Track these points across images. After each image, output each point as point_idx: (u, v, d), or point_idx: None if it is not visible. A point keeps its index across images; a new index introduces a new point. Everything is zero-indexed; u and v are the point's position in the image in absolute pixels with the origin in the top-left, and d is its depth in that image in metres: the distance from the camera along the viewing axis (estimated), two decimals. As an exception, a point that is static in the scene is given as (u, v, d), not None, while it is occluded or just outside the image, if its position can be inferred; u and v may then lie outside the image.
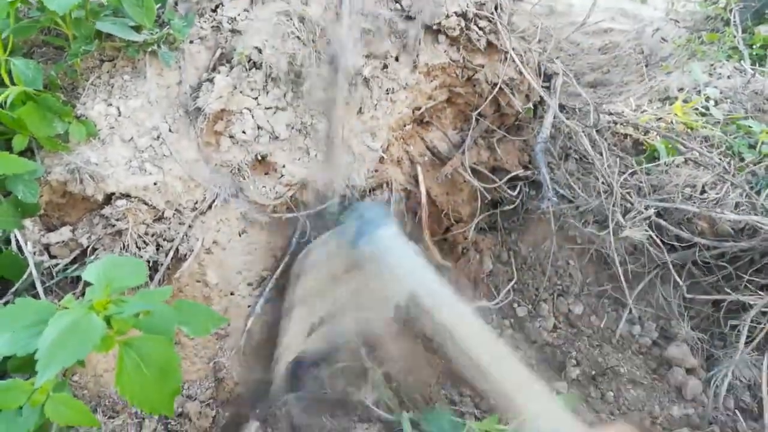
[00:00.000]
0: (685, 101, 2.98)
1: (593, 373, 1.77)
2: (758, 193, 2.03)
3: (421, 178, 1.72)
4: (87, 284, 1.36)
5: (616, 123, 2.10)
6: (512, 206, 1.99)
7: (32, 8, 1.52)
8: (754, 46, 3.81)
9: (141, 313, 0.99)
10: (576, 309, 1.94)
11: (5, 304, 1.26)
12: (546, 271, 1.99)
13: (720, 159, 2.04)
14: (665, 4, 4.64)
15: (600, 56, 3.88)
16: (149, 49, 1.47)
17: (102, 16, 1.48)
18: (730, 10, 3.79)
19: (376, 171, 1.66)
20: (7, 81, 1.37)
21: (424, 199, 1.70)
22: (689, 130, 2.70)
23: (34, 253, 1.31)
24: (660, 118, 2.75)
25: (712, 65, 3.62)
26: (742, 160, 2.42)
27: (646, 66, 3.75)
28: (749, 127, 2.71)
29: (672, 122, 2.72)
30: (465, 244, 1.98)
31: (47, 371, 0.82)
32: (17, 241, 1.31)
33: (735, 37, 3.81)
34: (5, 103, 1.30)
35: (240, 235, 1.55)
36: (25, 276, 1.28)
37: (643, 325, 1.89)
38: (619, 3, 4.77)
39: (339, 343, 1.61)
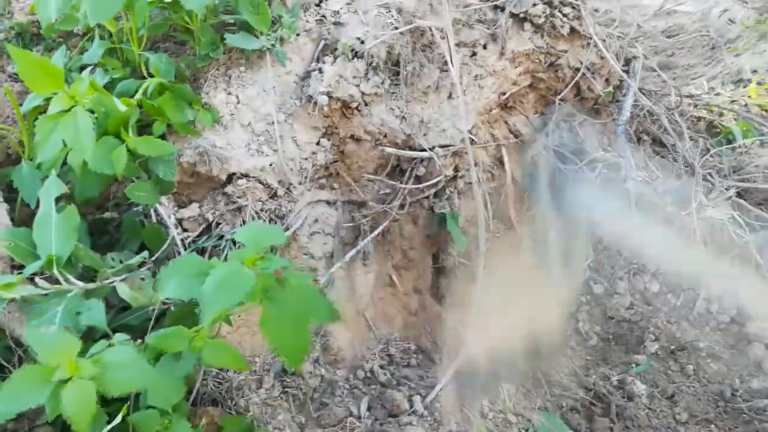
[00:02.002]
0: (759, 83, 2.95)
1: (672, 347, 1.83)
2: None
3: (506, 159, 1.81)
4: (213, 252, 1.53)
5: (696, 105, 2.14)
6: (590, 187, 2.06)
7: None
8: (828, 27, 3.70)
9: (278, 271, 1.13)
10: (652, 287, 2.01)
11: (148, 269, 1.43)
12: (622, 250, 2.05)
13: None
14: (732, -15, 4.48)
15: (664, 39, 3.83)
16: (265, 49, 1.61)
17: (220, 15, 1.64)
18: (803, -10, 3.68)
19: (465, 153, 1.76)
20: (144, 72, 1.55)
21: (509, 180, 1.80)
22: (765, 112, 2.69)
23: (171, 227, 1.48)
24: (734, 101, 2.75)
25: (784, 47, 3.55)
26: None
27: (713, 48, 3.69)
28: (827, 109, 2.68)
29: (746, 105, 2.71)
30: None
31: (211, 309, 0.97)
32: (157, 215, 1.48)
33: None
34: (146, 92, 1.47)
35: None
36: (164, 246, 1.45)
37: (721, 303, 1.93)
38: (684, -16, 4.66)
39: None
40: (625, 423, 1.55)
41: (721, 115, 2.60)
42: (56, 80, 1.24)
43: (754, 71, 3.04)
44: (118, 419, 1.09)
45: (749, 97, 2.80)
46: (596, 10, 2.74)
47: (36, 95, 1.51)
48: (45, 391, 0.97)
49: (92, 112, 1.35)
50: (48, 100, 1.49)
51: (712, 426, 1.58)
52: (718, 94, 2.80)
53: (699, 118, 2.57)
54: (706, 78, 3.07)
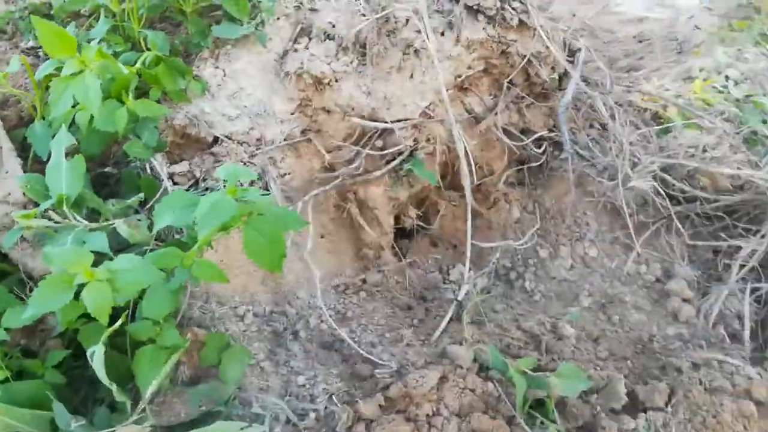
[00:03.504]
0: (704, 80, 3.25)
1: (603, 301, 2.09)
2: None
3: (461, 134, 2.06)
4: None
5: (630, 91, 2.40)
6: (538, 164, 2.32)
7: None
8: (782, 33, 4.01)
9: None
10: (591, 252, 2.27)
11: (144, 214, 1.67)
12: (566, 220, 2.31)
13: (722, 125, 2.32)
14: (701, -7, 4.78)
15: (634, 44, 4.12)
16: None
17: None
18: (762, -3, 3.99)
19: (425, 126, 2.02)
20: (143, 47, 1.79)
21: (462, 153, 2.04)
22: (707, 106, 2.97)
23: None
24: (679, 95, 3.03)
25: (739, 50, 3.88)
26: (755, 133, 2.70)
27: (680, 53, 3.99)
28: (763, 104, 2.97)
29: (690, 99, 3.00)
30: (496, 195, 2.32)
31: (204, 229, 1.22)
32: (152, 169, 1.72)
33: (764, 24, 4.04)
34: (144, 63, 1.71)
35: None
36: (158, 195, 1.69)
37: (649, 266, 2.20)
38: (657, -8, 4.95)
39: None
40: (552, 357, 1.80)
41: (665, 107, 2.87)
42: (70, 46, 1.48)
43: (702, 70, 3.35)
44: (117, 324, 1.32)
45: (694, 92, 3.09)
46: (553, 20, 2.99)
47: (48, 64, 1.74)
48: (68, 295, 1.20)
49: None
50: (58, 69, 1.73)
51: (627, 362, 1.83)
52: (667, 90, 3.09)
53: (645, 109, 2.84)
54: (659, 76, 3.35)
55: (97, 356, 1.26)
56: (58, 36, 1.46)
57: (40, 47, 2.09)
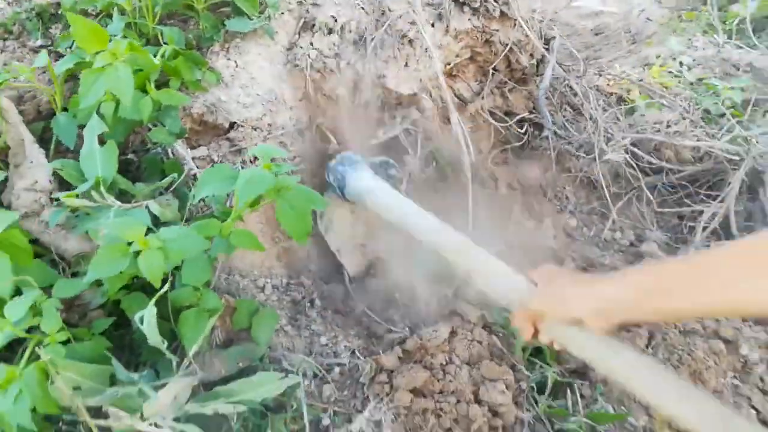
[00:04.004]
0: (660, 66, 3.54)
1: (584, 265, 2.31)
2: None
3: (459, 119, 2.24)
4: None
5: (600, 75, 2.64)
6: (520, 143, 2.52)
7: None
8: (727, 22, 4.35)
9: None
10: (571, 222, 2.49)
11: (170, 194, 1.79)
12: (547, 195, 2.53)
13: (681, 104, 2.58)
14: (652, -13, 5.09)
15: (592, 36, 4.40)
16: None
17: (218, -5, 2.01)
18: (708, -10, 4.31)
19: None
20: (161, 41, 1.91)
21: (460, 132, 2.22)
22: (664, 89, 3.24)
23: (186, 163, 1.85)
24: (641, 80, 3.29)
25: (689, 39, 4.20)
26: (708, 112, 2.98)
27: (633, 43, 4.28)
28: (715, 85, 3.26)
29: (650, 83, 3.27)
30: (483, 174, 2.52)
31: (243, 198, 1.36)
32: (174, 154, 1.84)
33: (710, 14, 4.38)
34: (164, 56, 1.83)
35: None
36: (182, 177, 1.82)
37: (623, 232, 2.43)
38: (610, -13, 5.26)
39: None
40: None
41: (629, 91, 3.13)
42: (103, 40, 1.60)
43: (658, 57, 3.64)
44: (162, 291, 1.44)
45: (652, 76, 3.37)
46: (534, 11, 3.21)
47: (68, 58, 1.85)
48: (125, 261, 1.32)
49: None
50: (78, 64, 1.84)
51: (610, 314, 2.05)
52: (628, 75, 3.35)
53: (611, 94, 3.10)
54: (620, 63, 3.63)
55: (147, 318, 1.38)
56: (92, 31, 1.57)
57: (49, 45, 2.18)
